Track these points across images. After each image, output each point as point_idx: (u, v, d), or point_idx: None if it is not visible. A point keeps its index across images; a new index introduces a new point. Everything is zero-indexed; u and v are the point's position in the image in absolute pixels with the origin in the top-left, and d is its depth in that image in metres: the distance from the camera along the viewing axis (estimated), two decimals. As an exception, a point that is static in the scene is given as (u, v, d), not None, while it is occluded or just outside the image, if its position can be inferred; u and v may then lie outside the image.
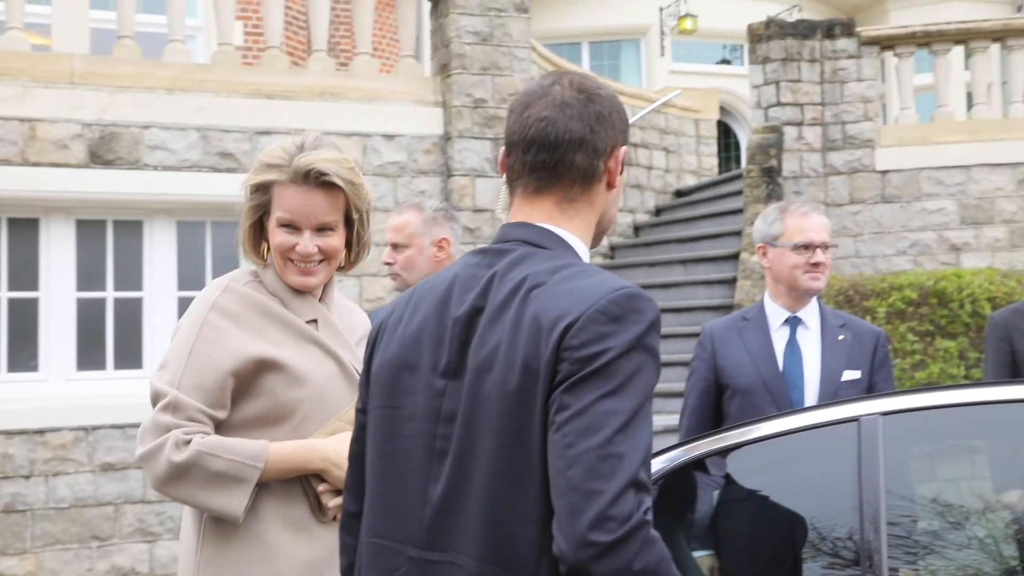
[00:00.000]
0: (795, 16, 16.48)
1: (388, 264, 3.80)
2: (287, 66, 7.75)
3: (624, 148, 1.76)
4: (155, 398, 2.25)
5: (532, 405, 1.56)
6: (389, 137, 7.62)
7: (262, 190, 2.32)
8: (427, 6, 8.32)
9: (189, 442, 2.17)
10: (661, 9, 16.88)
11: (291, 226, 2.30)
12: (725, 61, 17.68)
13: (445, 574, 1.63)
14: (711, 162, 12.71)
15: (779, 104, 9.42)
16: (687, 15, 16.30)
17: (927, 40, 9.36)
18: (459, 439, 1.63)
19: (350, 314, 2.51)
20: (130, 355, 7.34)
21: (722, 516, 2.20)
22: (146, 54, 7.42)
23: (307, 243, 2.29)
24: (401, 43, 8.05)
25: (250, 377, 2.24)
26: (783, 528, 2.14)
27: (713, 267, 9.85)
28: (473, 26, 7.71)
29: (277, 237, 2.30)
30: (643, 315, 1.57)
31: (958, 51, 9.68)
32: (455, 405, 1.65)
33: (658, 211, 11.88)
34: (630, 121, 9.26)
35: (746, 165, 9.42)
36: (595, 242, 1.81)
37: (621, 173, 1.77)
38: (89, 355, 7.25)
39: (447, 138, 7.74)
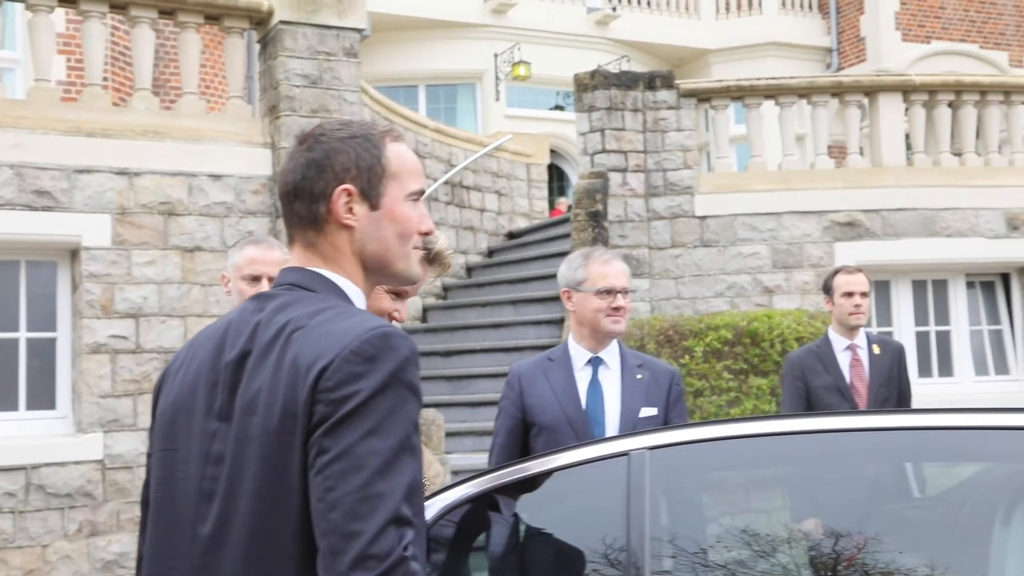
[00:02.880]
0: (625, 66, 17.13)
1: None
2: (109, 104, 7.60)
3: (349, 186, 1.79)
4: None
5: (292, 446, 1.62)
6: (216, 177, 7.56)
7: None
8: (258, 46, 8.31)
9: None
10: (496, 55, 17.26)
11: (399, 295, 2.36)
12: (559, 107, 18.18)
13: None
14: (542, 205, 13.04)
15: (604, 151, 9.76)
16: (521, 62, 16.73)
17: (740, 94, 9.88)
18: (226, 480, 1.68)
19: None
20: (-64, 399, 7.01)
21: (506, 549, 2.31)
22: (-43, 87, 7.16)
23: (404, 309, 2.38)
24: (229, 84, 8.01)
25: None
26: (564, 560, 2.27)
27: (542, 307, 10.10)
28: (302, 69, 7.75)
29: (384, 302, 2.35)
30: (397, 352, 1.64)
31: (771, 105, 10.24)
32: (224, 447, 1.70)
33: (490, 252, 12.10)
34: (461, 164, 9.30)
35: (573, 209, 9.72)
36: (386, 279, 1.87)
37: (375, 209, 1.80)
38: None
39: (276, 179, 7.73)
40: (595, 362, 3.80)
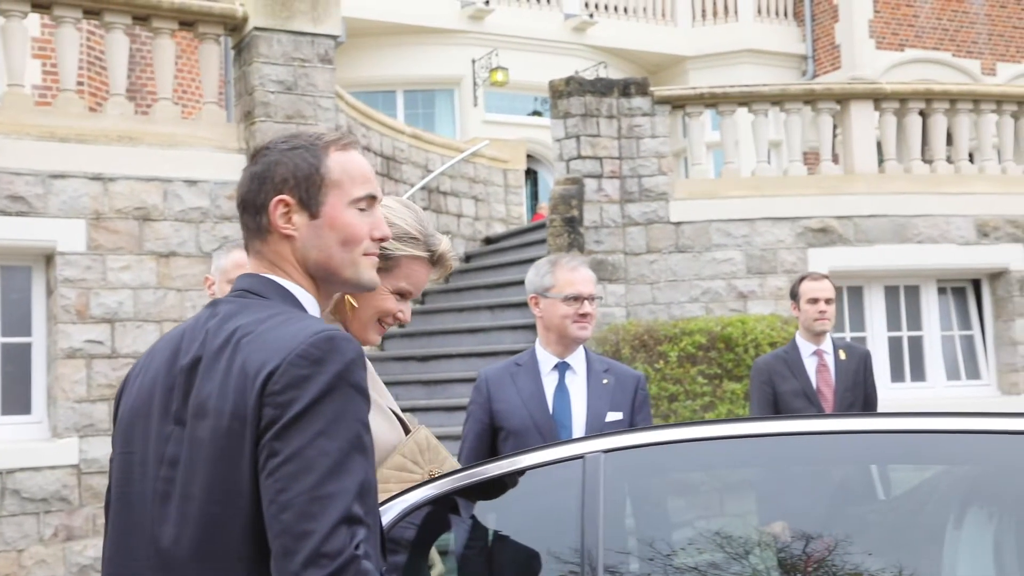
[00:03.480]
0: (602, 72, 17.22)
1: None
2: (83, 109, 7.62)
3: (284, 196, 1.84)
4: None
5: (241, 449, 1.67)
6: (191, 183, 7.58)
7: (383, 256, 2.36)
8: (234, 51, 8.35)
9: None
10: (474, 61, 17.32)
11: (404, 295, 2.42)
12: (537, 113, 18.24)
13: None
14: (519, 211, 13.10)
15: (580, 157, 9.82)
16: (498, 68, 16.79)
17: (714, 101, 9.96)
18: (179, 482, 1.73)
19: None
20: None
21: (464, 551, 2.37)
22: (-69, 92, 7.16)
23: (408, 310, 2.44)
24: (204, 90, 8.03)
25: None
26: (520, 562, 2.32)
27: (519, 312, 10.14)
28: (277, 75, 7.78)
29: (388, 303, 2.40)
30: (342, 354, 1.69)
31: (745, 112, 10.32)
32: (178, 450, 1.74)
33: (468, 258, 12.14)
34: (438, 170, 9.33)
35: (549, 215, 9.77)
36: (336, 287, 1.92)
37: (315, 218, 1.85)
38: None
39: (251, 185, 7.73)
40: (562, 367, 3.86)
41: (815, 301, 5.28)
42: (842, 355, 5.37)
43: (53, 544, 7.00)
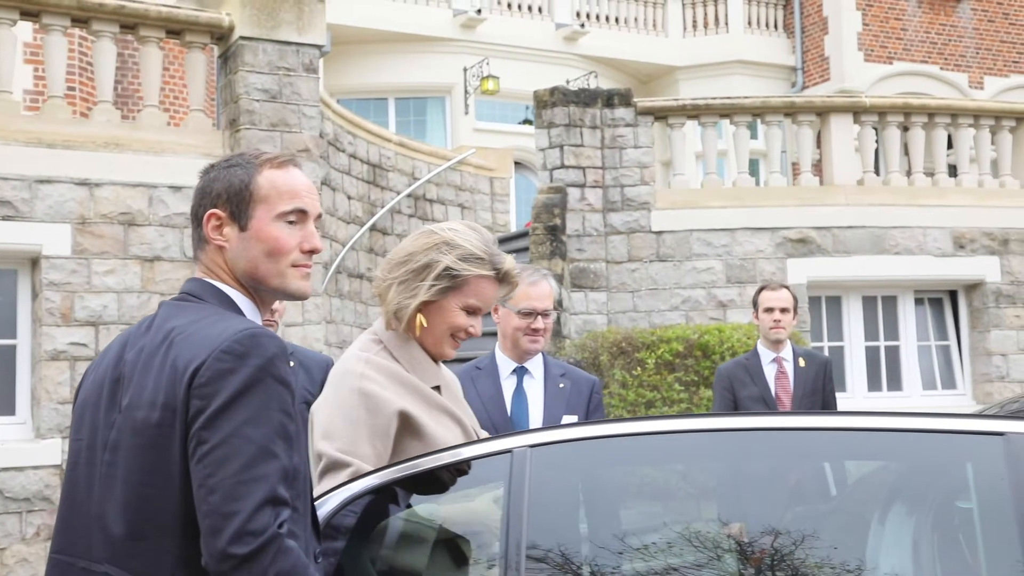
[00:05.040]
0: (593, 82, 17.37)
1: None
2: (70, 115, 7.75)
3: (216, 210, 2.02)
4: (332, 466, 2.45)
5: (172, 438, 1.84)
6: (176, 189, 7.70)
7: (451, 276, 2.54)
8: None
9: None
10: (465, 69, 17.47)
11: (473, 312, 2.56)
12: (527, 121, 18.37)
13: None
14: (505, 219, 13.23)
15: (563, 167, 9.96)
16: (489, 76, 16.94)
17: (696, 113, 10.10)
18: (117, 465, 1.90)
19: (448, 373, 2.74)
20: None
21: (399, 539, 2.50)
22: (-80, 98, 7.28)
23: (479, 324, 2.59)
24: (190, 97, 8.16)
25: (395, 437, 2.48)
26: (450, 551, 2.46)
27: (502, 319, 10.26)
28: (262, 84, 7.92)
29: (459, 319, 2.56)
30: (265, 349, 1.85)
31: (740, 121, 10.45)
32: (119, 436, 1.91)
33: (454, 265, 12.25)
34: (424, 178, 9.42)
35: (532, 223, 9.91)
36: (268, 295, 2.06)
37: (244, 231, 2.01)
38: None
39: (235, 191, 7.84)
40: (520, 371, 4.00)
41: (770, 311, 5.42)
42: (801, 363, 5.52)
43: (35, 543, 7.11)
